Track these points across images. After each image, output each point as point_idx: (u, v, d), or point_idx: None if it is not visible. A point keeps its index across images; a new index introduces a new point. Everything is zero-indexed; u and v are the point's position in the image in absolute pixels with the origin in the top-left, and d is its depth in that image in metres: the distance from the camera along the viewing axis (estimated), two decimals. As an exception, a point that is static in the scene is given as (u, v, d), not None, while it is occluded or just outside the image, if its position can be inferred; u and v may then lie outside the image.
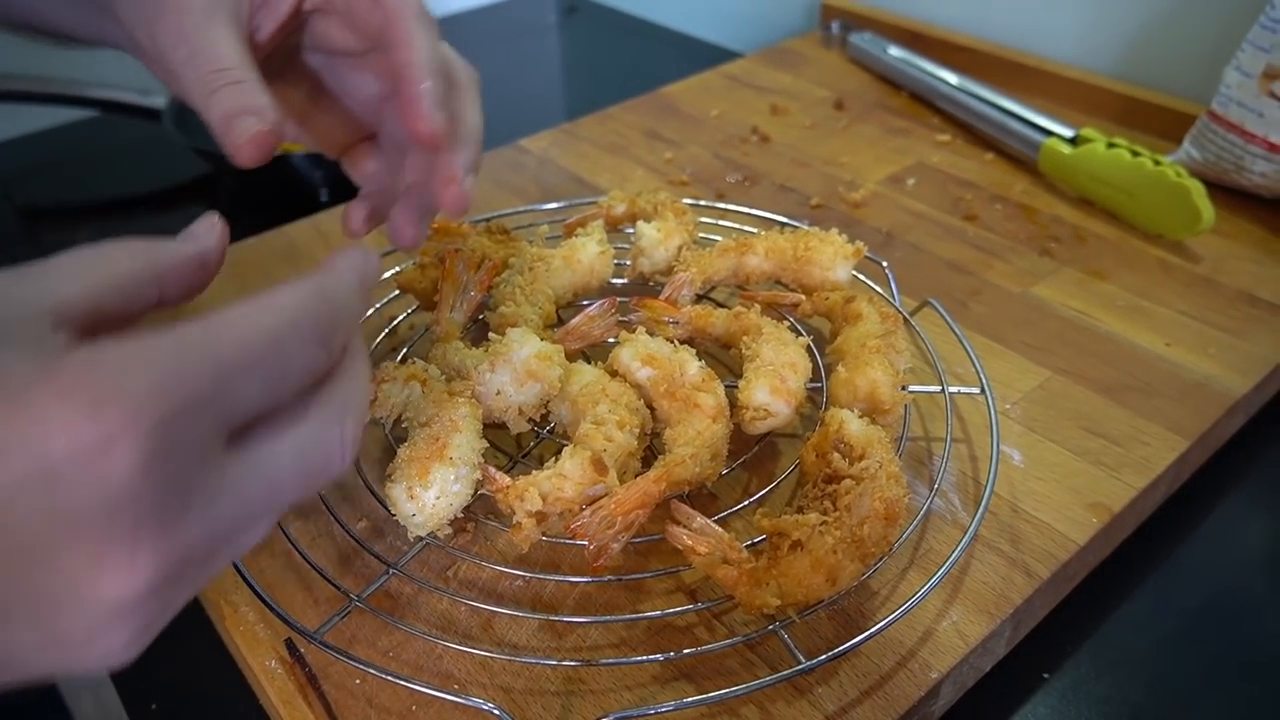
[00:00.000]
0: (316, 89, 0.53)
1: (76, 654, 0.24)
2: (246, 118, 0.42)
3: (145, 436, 0.23)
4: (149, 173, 1.02)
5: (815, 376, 0.56)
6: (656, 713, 0.42)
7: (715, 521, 0.47)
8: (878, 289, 0.65)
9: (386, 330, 0.65)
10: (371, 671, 0.44)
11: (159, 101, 0.96)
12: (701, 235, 0.69)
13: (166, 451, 0.23)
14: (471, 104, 0.50)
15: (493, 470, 0.48)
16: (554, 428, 0.55)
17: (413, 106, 0.45)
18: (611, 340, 0.58)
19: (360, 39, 0.50)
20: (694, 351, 0.54)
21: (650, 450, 0.54)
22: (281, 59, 0.51)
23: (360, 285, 0.32)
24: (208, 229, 0.37)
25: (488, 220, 0.70)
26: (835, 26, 1.11)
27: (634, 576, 0.49)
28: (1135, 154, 0.74)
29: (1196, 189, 0.70)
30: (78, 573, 0.23)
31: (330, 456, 0.29)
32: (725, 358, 0.62)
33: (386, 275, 0.68)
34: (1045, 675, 0.50)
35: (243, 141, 0.42)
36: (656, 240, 0.64)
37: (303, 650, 0.47)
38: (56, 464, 0.22)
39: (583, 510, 0.46)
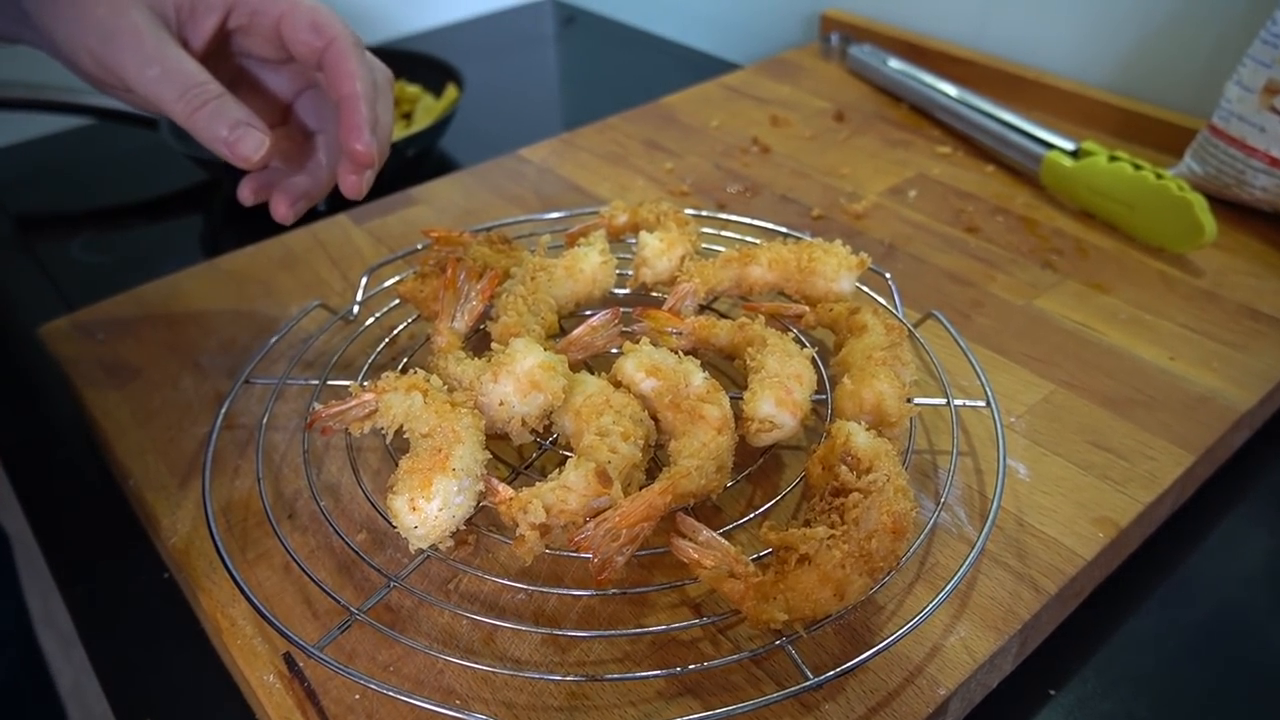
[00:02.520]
0: (234, 84, 0.57)
1: None
2: (250, 131, 0.49)
3: None
4: (146, 181, 1.02)
5: (820, 388, 0.56)
6: (662, 729, 0.42)
7: (720, 534, 0.46)
8: (880, 300, 0.64)
9: (387, 340, 0.65)
10: (372, 686, 0.43)
11: (156, 109, 0.96)
12: (703, 246, 0.68)
13: None
14: (385, 104, 0.55)
15: (495, 482, 0.47)
16: (557, 439, 0.55)
17: (354, 131, 0.52)
18: (614, 351, 0.57)
19: (282, 53, 0.55)
20: (698, 362, 0.54)
21: (654, 462, 0.53)
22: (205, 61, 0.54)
23: None
24: None
25: (488, 229, 0.70)
26: (834, 38, 1.11)
27: (638, 590, 0.48)
28: (1137, 167, 0.74)
29: (1199, 203, 0.70)
30: None
31: None
32: (729, 369, 0.61)
33: (388, 284, 0.68)
34: (1051, 692, 0.49)
35: (257, 156, 0.50)
36: (659, 250, 0.63)
37: (301, 665, 0.46)
38: None
39: (586, 523, 0.45)
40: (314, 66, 0.54)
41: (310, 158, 0.59)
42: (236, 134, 0.49)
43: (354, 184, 0.55)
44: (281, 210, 0.57)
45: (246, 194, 0.58)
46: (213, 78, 0.50)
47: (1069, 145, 0.80)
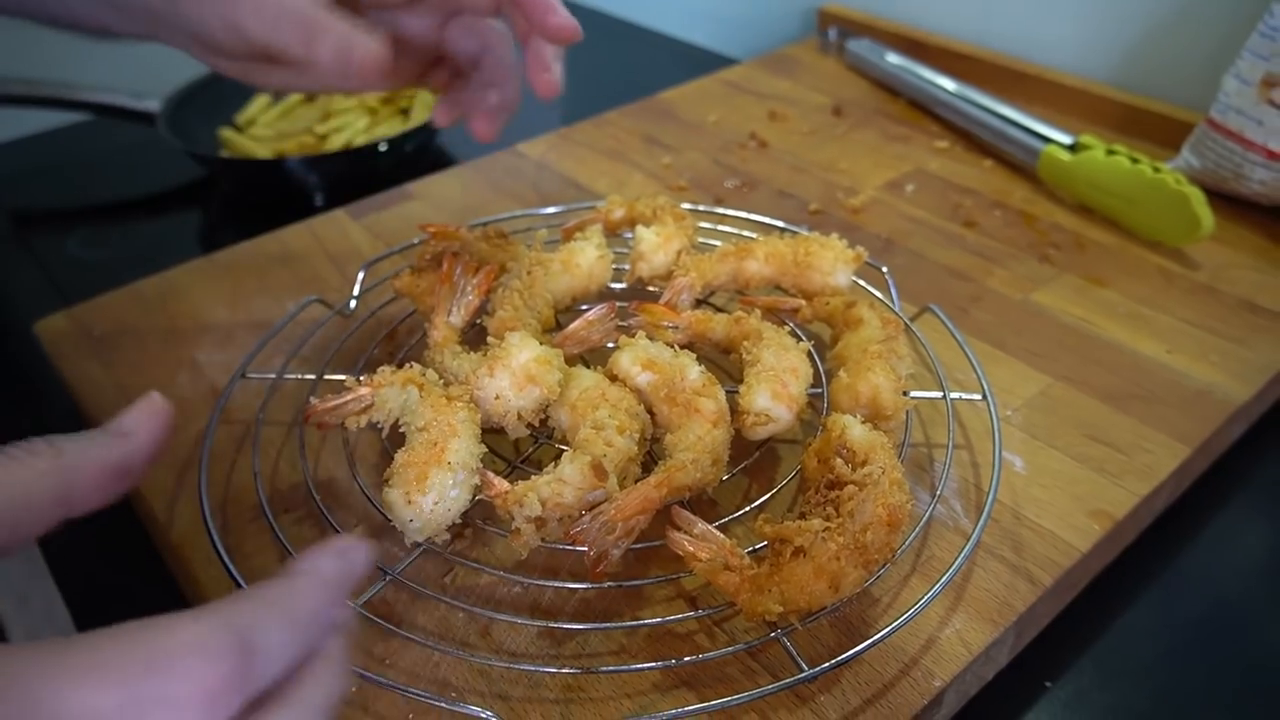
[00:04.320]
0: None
1: None
2: (360, 41, 0.47)
3: None
4: (142, 177, 1.02)
5: (816, 382, 0.56)
6: (657, 721, 0.42)
7: (716, 527, 0.46)
8: (878, 294, 0.64)
9: (384, 334, 0.65)
10: (368, 679, 0.43)
11: (153, 105, 0.95)
12: (700, 240, 0.68)
13: None
14: None
15: (491, 475, 0.47)
16: (553, 433, 0.55)
17: (546, 7, 0.51)
18: (611, 345, 0.57)
19: None
20: (694, 356, 0.54)
21: (650, 455, 0.53)
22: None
23: (336, 585, 0.31)
24: (146, 418, 0.33)
25: (485, 224, 0.70)
26: (832, 33, 1.11)
27: (634, 583, 0.48)
28: (1134, 161, 0.74)
29: (1196, 196, 0.70)
30: None
31: None
32: (725, 363, 0.61)
33: (385, 279, 0.68)
34: (1048, 684, 0.49)
35: (368, 63, 0.47)
36: (656, 245, 0.63)
37: (297, 658, 0.46)
38: None
39: (582, 516, 0.45)
40: None
41: (485, 76, 0.57)
42: (351, 48, 0.47)
43: (548, 82, 0.54)
44: (482, 129, 0.56)
45: (443, 118, 0.58)
46: (325, 9, 0.48)
47: (1066, 139, 0.80)
